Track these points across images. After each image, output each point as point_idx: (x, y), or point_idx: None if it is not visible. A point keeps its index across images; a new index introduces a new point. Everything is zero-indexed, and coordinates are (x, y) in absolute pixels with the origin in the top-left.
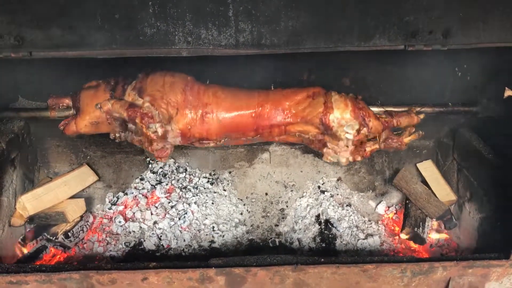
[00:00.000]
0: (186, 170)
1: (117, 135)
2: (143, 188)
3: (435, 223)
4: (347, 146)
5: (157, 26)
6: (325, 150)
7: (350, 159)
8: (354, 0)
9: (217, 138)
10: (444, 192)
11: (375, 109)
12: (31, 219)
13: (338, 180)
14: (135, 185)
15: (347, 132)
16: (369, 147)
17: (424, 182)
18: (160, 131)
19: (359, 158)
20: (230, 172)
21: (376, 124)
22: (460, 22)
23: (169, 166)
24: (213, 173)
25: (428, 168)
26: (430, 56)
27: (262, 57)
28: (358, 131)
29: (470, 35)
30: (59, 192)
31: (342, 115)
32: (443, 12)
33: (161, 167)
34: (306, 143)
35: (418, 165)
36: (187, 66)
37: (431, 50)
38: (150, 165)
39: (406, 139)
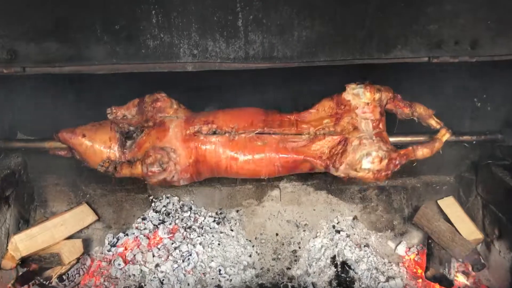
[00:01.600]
0: (191, 208)
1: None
2: (145, 228)
3: (461, 264)
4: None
5: (161, 38)
6: (348, 148)
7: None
8: (373, 8)
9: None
10: (469, 230)
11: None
12: (23, 261)
13: (354, 219)
14: (136, 225)
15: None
16: None
17: (447, 220)
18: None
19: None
20: (237, 211)
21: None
22: (489, 31)
23: (173, 204)
24: (219, 212)
25: (450, 205)
26: (448, 80)
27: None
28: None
29: (501, 45)
30: (55, 232)
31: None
32: (470, 20)
33: (164, 206)
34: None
35: (439, 201)
36: (194, 82)
37: (458, 62)
38: (153, 204)
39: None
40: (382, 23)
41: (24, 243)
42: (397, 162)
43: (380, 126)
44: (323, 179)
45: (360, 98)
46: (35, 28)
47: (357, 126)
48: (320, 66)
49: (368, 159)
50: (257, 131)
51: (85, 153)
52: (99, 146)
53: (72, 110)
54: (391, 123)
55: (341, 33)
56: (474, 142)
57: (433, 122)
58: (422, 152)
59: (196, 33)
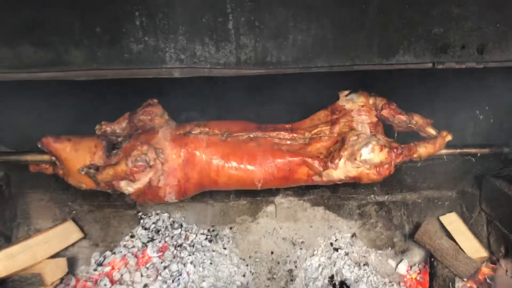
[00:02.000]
0: (181, 225)
1: None
2: (133, 247)
3: (465, 284)
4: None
5: (145, 41)
6: (347, 143)
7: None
8: (374, 9)
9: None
10: (473, 248)
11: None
12: (2, 282)
13: (352, 236)
14: (124, 243)
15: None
16: None
17: (449, 237)
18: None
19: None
20: (231, 228)
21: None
22: (498, 35)
23: (163, 221)
24: (212, 229)
25: (453, 222)
26: (449, 91)
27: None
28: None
29: (510, 50)
30: (38, 250)
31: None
32: (478, 22)
33: (154, 223)
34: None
35: (441, 218)
36: (181, 90)
37: (465, 68)
38: (141, 221)
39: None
40: (384, 26)
41: (3, 263)
42: (399, 151)
43: (378, 130)
44: (320, 194)
45: (354, 102)
46: (8, 30)
47: (354, 127)
48: (317, 73)
49: (368, 148)
50: (251, 135)
51: (67, 158)
52: (83, 151)
53: (51, 120)
54: (390, 136)
55: (339, 37)
56: (478, 155)
57: (432, 131)
58: (424, 148)
59: (183, 37)
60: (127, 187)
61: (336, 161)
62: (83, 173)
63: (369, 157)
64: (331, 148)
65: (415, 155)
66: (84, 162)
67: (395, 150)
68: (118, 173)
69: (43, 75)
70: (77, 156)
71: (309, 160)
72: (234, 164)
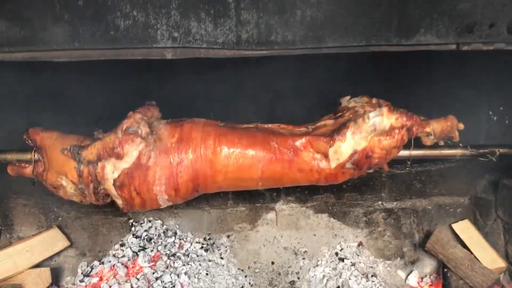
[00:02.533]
0: (175, 233)
1: None
2: (123, 256)
3: None
4: None
5: (134, 17)
6: (353, 118)
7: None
8: None
9: None
10: (489, 257)
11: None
12: None
13: (359, 245)
14: (114, 252)
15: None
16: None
17: (463, 246)
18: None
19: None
20: (228, 236)
21: None
22: None
23: (156, 229)
24: (208, 238)
25: (466, 229)
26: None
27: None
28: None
29: None
30: (19, 259)
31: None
32: None
33: (146, 230)
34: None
35: (454, 226)
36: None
37: (493, 49)
38: (133, 228)
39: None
40: (403, 0)
41: None
42: (409, 113)
43: None
44: (324, 200)
45: (357, 102)
46: None
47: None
48: (328, 54)
49: (375, 112)
50: (250, 125)
51: (52, 146)
52: (71, 139)
53: (24, 110)
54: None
55: (353, 12)
56: (497, 153)
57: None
58: (436, 123)
59: (176, 11)
60: (113, 172)
61: (344, 130)
62: (65, 152)
63: (378, 120)
64: (338, 126)
65: (427, 128)
66: (68, 165)
67: (405, 113)
68: (106, 145)
69: (18, 55)
70: (63, 143)
71: (314, 139)
72: (232, 144)
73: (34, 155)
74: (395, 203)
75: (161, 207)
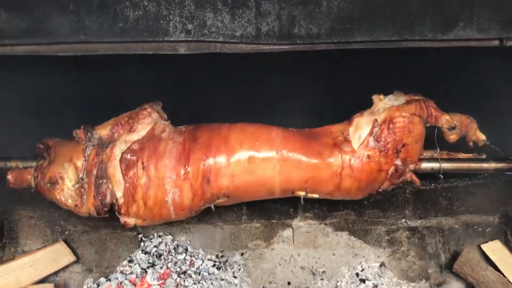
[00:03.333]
0: (186, 250)
1: None
2: (131, 273)
3: None
4: None
5: (144, 7)
6: None
7: None
8: None
9: None
10: None
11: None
12: None
13: (381, 265)
14: (121, 268)
15: None
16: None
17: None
18: None
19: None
20: (242, 254)
21: None
22: None
23: (166, 244)
24: (220, 255)
25: (497, 251)
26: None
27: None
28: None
29: None
30: (22, 274)
31: None
32: None
33: (155, 246)
34: None
35: (483, 246)
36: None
37: None
38: (142, 244)
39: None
40: None
41: None
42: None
43: None
44: (344, 217)
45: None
46: None
47: None
48: (356, 50)
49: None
50: None
51: (61, 141)
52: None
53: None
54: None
55: (385, 3)
56: None
57: (480, 136)
58: (453, 115)
59: (191, 1)
60: (123, 144)
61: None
62: (77, 132)
63: (393, 97)
64: None
65: (446, 116)
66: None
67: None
68: (121, 118)
69: (20, 48)
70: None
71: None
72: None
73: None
74: (419, 221)
75: (166, 199)
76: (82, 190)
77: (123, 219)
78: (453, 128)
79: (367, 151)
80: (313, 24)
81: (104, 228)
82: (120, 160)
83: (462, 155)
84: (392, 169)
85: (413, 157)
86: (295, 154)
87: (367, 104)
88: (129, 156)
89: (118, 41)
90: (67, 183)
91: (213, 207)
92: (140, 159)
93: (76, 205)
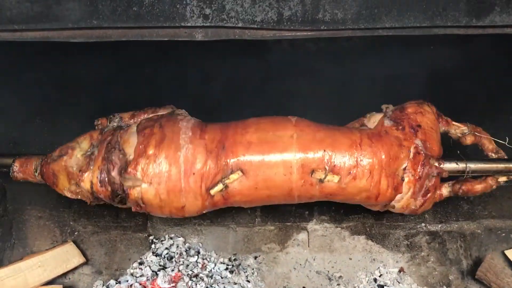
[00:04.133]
0: (198, 252)
1: None
2: (142, 275)
3: None
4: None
5: None
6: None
7: (413, 205)
8: None
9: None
10: None
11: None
12: None
13: (400, 271)
14: (132, 270)
15: None
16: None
17: None
18: None
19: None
20: (256, 258)
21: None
22: None
23: (178, 247)
24: (233, 258)
25: None
26: None
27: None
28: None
29: None
30: (30, 275)
31: None
32: None
33: (167, 248)
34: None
35: (507, 252)
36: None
37: None
38: (153, 245)
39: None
40: None
41: None
42: None
43: None
44: (362, 221)
45: None
46: None
47: None
48: (384, 36)
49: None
50: None
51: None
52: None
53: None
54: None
55: None
56: None
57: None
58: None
59: None
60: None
61: None
62: (100, 120)
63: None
64: None
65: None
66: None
67: None
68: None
69: (29, 34)
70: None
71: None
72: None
73: None
74: (440, 226)
75: (178, 154)
76: (92, 156)
77: (126, 183)
78: (466, 132)
79: (384, 128)
80: (338, 8)
81: (115, 229)
82: (138, 125)
83: None
84: (412, 148)
85: (432, 144)
86: (312, 126)
87: None
88: (146, 121)
89: (132, 26)
90: (77, 153)
91: (224, 186)
92: (158, 122)
93: (80, 171)
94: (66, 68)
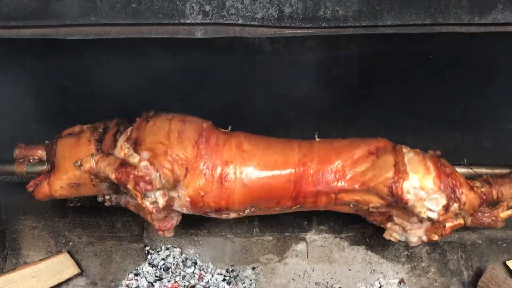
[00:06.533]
0: (195, 263)
1: (106, 197)
2: (137, 287)
3: None
4: (422, 222)
5: None
6: (389, 225)
7: (424, 238)
8: None
9: (241, 208)
10: None
11: (461, 170)
12: None
13: (400, 282)
14: (127, 281)
15: (430, 209)
16: (451, 223)
17: None
18: (161, 201)
19: (436, 238)
20: (253, 269)
21: (472, 198)
22: None
23: (174, 257)
24: (231, 269)
25: None
26: None
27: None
28: (446, 207)
29: None
30: (24, 286)
31: (422, 184)
32: None
33: (163, 259)
34: (362, 214)
35: (508, 263)
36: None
37: None
38: (149, 256)
39: (504, 214)
40: None
41: None
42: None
43: None
44: (361, 231)
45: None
46: None
47: None
48: (385, 34)
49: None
50: None
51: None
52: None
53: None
54: None
55: None
56: None
57: None
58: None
59: None
60: None
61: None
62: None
63: None
64: None
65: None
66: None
67: None
68: None
69: (26, 31)
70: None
71: None
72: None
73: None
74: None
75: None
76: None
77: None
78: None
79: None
80: (339, 5)
81: (110, 239)
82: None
83: None
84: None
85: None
86: None
87: None
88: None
89: (131, 23)
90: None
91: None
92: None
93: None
94: (66, 67)
